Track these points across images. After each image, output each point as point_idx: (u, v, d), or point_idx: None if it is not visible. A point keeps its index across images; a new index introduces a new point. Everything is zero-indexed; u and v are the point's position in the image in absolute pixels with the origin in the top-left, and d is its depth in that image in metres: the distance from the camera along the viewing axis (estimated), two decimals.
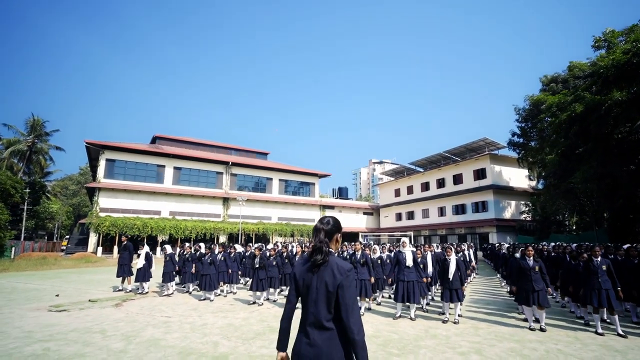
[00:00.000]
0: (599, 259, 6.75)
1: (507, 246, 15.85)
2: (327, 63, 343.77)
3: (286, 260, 10.29)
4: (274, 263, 9.82)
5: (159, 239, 33.46)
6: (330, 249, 2.08)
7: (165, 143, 43.75)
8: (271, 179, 45.17)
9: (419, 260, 8.58)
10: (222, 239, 36.88)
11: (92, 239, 31.32)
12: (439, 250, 11.02)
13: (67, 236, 52.63)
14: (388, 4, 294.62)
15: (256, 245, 10.16)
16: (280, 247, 11.22)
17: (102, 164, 33.87)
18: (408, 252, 7.71)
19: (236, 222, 37.31)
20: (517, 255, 8.01)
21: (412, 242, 28.92)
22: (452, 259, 7.41)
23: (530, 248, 6.93)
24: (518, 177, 38.45)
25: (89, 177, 59.57)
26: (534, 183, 39.11)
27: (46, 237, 55.34)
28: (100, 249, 30.80)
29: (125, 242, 11.47)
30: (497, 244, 20.86)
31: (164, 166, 37.48)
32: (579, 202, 26.62)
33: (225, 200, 39.58)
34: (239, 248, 12.93)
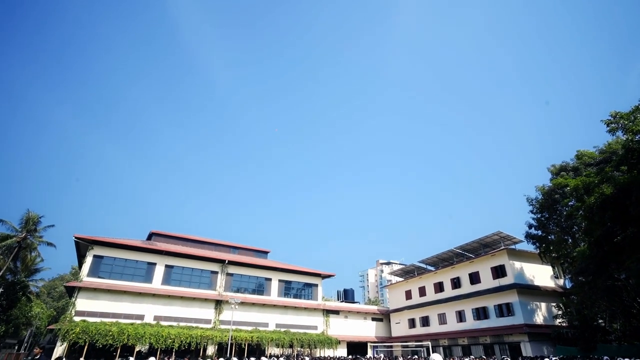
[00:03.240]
0: None
1: None
2: (330, 159, 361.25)
3: None
4: None
5: (137, 349, 28.88)
6: None
7: (160, 239, 41.81)
8: (270, 279, 41.64)
9: None
10: (210, 350, 31.94)
11: (59, 348, 27.01)
12: None
13: (41, 345, 46.88)
14: (385, 96, 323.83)
15: None
16: None
17: (88, 261, 31.50)
18: None
19: (228, 330, 32.81)
20: None
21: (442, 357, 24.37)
22: None
23: None
24: (543, 274, 34.77)
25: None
26: (561, 282, 35.22)
27: (16, 347, 49.27)
28: None
29: (38, 356, 8.76)
30: (537, 358, 16.95)
31: (154, 264, 34.86)
32: (622, 303, 22.93)
33: (218, 303, 35.66)
34: None
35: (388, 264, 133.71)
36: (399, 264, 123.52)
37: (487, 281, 35.09)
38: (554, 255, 28.55)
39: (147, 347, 29.19)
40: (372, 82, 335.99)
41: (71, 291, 31.35)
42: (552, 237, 29.55)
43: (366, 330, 45.92)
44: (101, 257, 32.39)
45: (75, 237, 31.10)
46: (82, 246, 32.69)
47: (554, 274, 34.94)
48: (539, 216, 28.98)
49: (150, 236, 42.51)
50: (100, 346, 27.09)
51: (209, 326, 34.05)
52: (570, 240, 26.55)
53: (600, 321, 28.78)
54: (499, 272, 34.24)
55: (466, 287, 37.40)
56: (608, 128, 17.31)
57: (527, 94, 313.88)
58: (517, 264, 33.70)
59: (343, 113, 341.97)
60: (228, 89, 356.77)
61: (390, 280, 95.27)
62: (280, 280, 42.18)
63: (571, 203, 26.01)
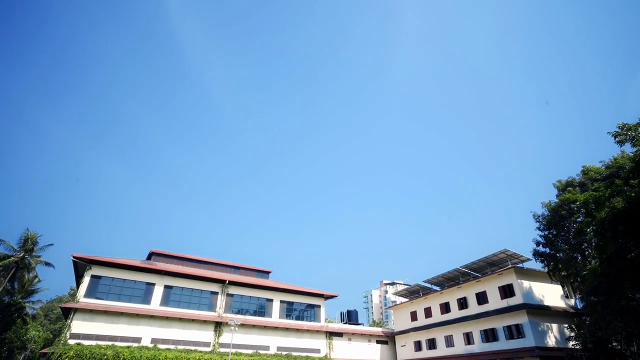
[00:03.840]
0: None
1: None
2: (332, 177, 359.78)
3: None
4: None
5: None
6: None
7: (160, 259, 41.16)
8: (272, 300, 40.57)
9: None
10: None
11: None
12: None
13: None
14: (386, 96, 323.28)
15: None
16: None
17: (85, 281, 30.85)
18: None
19: (228, 353, 31.69)
20: None
21: None
22: None
23: None
24: (553, 294, 33.65)
25: None
26: (572, 301, 34.06)
27: None
28: None
29: None
30: None
31: (153, 284, 34.09)
32: (639, 324, 21.94)
33: (218, 325, 34.62)
34: None
35: (392, 284, 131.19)
36: (404, 284, 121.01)
37: (495, 301, 33.98)
38: (563, 273, 27.67)
39: None
40: (371, 83, 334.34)
41: (67, 313, 30.57)
42: (561, 255, 28.75)
43: (371, 353, 44.32)
44: (99, 277, 31.75)
45: (74, 257, 30.59)
46: (80, 266, 32.13)
47: (564, 293, 33.83)
48: (546, 233, 28.28)
49: (150, 256, 41.87)
50: None
51: (208, 349, 32.93)
52: (579, 258, 25.76)
53: (615, 344, 27.56)
54: (507, 291, 33.19)
55: (473, 308, 36.23)
56: (616, 140, 16.98)
57: (530, 95, 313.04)
58: (526, 283, 32.70)
59: (342, 119, 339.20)
60: (226, 98, 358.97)
61: (394, 301, 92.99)
62: (281, 301, 41.10)
63: (580, 219, 25.40)
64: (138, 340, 30.47)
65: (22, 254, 35.46)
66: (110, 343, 28.71)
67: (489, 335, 33.59)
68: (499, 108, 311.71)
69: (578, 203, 20.83)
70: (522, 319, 30.90)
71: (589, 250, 25.70)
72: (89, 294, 30.70)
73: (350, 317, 52.31)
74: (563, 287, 31.58)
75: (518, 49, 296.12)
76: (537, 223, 28.98)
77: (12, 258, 34.85)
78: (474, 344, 35.01)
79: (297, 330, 39.16)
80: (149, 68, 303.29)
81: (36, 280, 41.62)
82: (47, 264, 37.07)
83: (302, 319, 41.73)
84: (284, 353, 36.31)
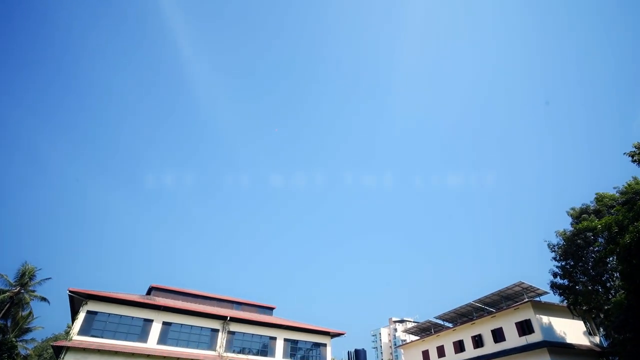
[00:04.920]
0: None
1: None
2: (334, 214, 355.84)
3: None
4: None
5: None
6: None
7: (160, 294, 39.70)
8: (275, 338, 38.47)
9: None
10: None
11: None
12: None
13: None
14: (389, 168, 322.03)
15: None
16: None
17: (80, 317, 29.53)
18: None
19: None
20: None
21: None
22: None
23: None
24: (575, 330, 31.52)
25: None
26: (597, 339, 31.79)
27: None
28: None
29: None
30: None
31: (151, 321, 32.56)
32: None
33: None
34: None
35: (402, 321, 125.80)
36: (413, 321, 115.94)
37: (513, 338, 31.87)
38: (584, 308, 25.96)
39: None
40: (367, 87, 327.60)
41: (59, 352, 28.99)
42: (580, 287, 27.17)
43: None
44: (95, 313, 30.42)
45: (70, 291, 29.51)
46: (77, 301, 30.90)
47: (587, 329, 31.69)
48: (563, 264, 26.89)
49: (150, 290, 40.48)
50: None
51: None
52: (601, 290, 24.24)
53: None
54: (524, 328, 31.19)
55: (489, 346, 33.97)
56: (633, 159, 16.39)
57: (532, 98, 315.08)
58: (545, 319, 30.75)
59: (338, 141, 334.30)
60: (237, 140, 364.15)
61: (404, 340, 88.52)
62: (285, 340, 38.96)
63: (597, 249, 24.24)
64: None
65: (17, 289, 34.35)
66: None
67: None
68: (512, 143, 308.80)
69: (599, 228, 19.76)
70: (543, 358, 28.71)
71: (611, 282, 24.23)
72: (84, 331, 29.25)
73: (359, 356, 49.28)
74: (585, 323, 29.62)
75: (525, 72, 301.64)
76: (553, 253, 27.69)
77: (8, 293, 33.73)
78: None
79: None
80: (157, 109, 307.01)
81: (30, 317, 40.07)
82: (43, 299, 35.77)
83: (308, 359, 39.32)
84: None
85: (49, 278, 36.43)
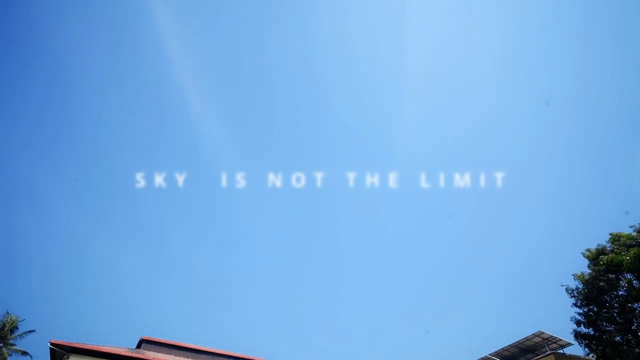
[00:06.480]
0: None
1: None
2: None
3: None
4: None
5: None
6: None
7: (151, 347, 36.72)
8: None
9: None
10: None
11: None
12: None
13: None
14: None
15: None
16: None
17: None
18: None
19: None
20: None
21: None
22: None
23: None
24: None
25: None
26: None
27: None
28: None
29: None
30: None
31: None
32: None
33: None
34: None
35: None
36: None
37: None
38: None
39: None
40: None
41: None
42: (605, 337, 24.76)
43: None
44: None
45: (51, 344, 27.15)
46: (58, 355, 28.46)
47: None
48: (585, 310, 24.71)
49: (140, 343, 37.52)
50: None
51: None
52: (631, 338, 21.97)
53: None
54: None
55: None
56: None
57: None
58: None
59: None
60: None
61: None
62: None
63: (621, 293, 22.47)
64: None
65: None
66: None
67: None
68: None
69: (627, 261, 18.21)
70: None
71: None
72: None
73: None
74: None
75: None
76: (573, 298, 25.58)
77: None
78: None
79: None
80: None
81: None
82: (24, 353, 33.01)
83: None
84: None
85: (33, 330, 33.98)
